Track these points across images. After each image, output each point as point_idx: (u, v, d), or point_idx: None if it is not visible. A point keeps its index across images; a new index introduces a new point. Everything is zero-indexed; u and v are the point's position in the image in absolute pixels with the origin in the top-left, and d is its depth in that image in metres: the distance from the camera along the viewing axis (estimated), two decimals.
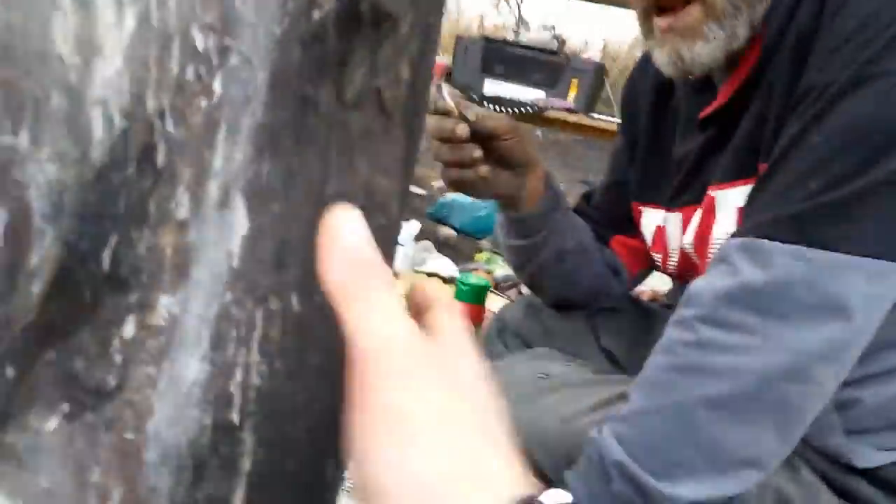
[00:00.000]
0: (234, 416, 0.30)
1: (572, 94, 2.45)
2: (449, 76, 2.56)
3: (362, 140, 0.31)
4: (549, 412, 0.82)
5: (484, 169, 0.91)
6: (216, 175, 0.29)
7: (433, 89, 0.89)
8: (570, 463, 0.77)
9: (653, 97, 1.00)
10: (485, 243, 2.41)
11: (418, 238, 2.03)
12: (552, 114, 2.45)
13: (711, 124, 0.87)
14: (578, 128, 2.47)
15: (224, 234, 0.29)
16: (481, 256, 2.09)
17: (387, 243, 0.33)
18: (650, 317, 1.10)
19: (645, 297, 1.38)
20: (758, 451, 0.70)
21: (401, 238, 1.77)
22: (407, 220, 1.82)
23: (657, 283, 1.68)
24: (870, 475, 0.76)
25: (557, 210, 1.00)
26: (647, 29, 0.84)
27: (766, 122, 0.75)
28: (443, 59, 2.64)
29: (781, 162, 0.70)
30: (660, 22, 0.81)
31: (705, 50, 0.79)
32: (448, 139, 0.88)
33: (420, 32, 0.32)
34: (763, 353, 0.67)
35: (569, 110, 2.44)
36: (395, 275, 1.67)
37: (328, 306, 0.29)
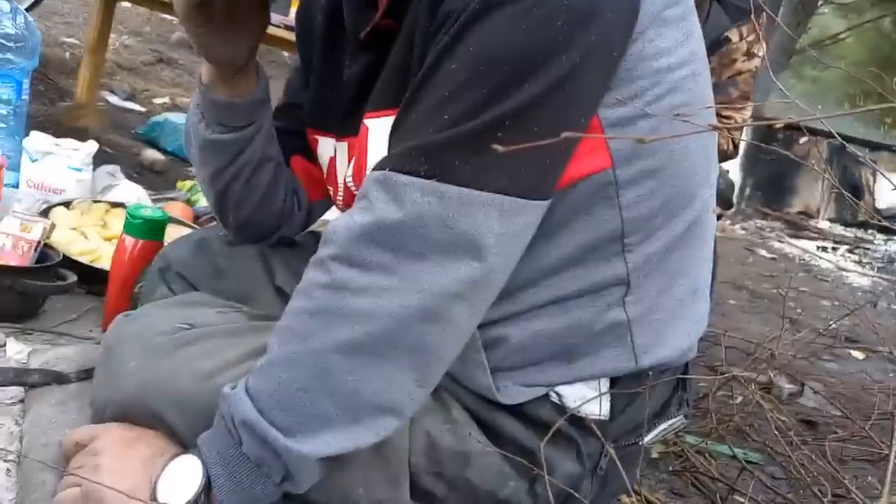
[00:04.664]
0: None
1: (294, 9, 2.29)
2: None
3: None
4: (186, 368, 0.73)
5: None
6: None
7: None
8: (208, 426, 0.69)
9: (326, 17, 0.91)
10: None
11: (112, 160, 1.81)
12: (270, 30, 2.27)
13: (372, 47, 0.80)
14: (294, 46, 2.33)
15: None
16: (184, 185, 1.91)
17: None
18: None
19: None
20: (395, 397, 0.67)
21: (77, 161, 1.54)
22: (83, 139, 1.57)
23: None
24: (515, 411, 0.77)
25: (268, 105, 0.89)
26: None
27: (413, 47, 0.70)
28: None
29: (420, 91, 0.66)
30: None
31: None
32: None
33: None
34: (398, 293, 0.63)
35: (289, 27, 2.28)
36: (68, 204, 1.45)
37: None
